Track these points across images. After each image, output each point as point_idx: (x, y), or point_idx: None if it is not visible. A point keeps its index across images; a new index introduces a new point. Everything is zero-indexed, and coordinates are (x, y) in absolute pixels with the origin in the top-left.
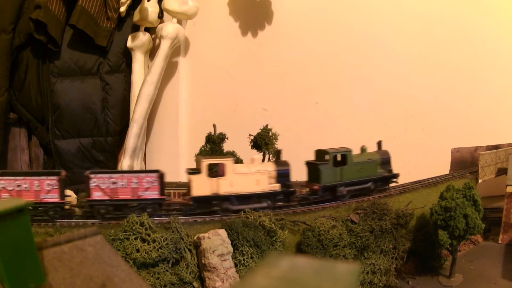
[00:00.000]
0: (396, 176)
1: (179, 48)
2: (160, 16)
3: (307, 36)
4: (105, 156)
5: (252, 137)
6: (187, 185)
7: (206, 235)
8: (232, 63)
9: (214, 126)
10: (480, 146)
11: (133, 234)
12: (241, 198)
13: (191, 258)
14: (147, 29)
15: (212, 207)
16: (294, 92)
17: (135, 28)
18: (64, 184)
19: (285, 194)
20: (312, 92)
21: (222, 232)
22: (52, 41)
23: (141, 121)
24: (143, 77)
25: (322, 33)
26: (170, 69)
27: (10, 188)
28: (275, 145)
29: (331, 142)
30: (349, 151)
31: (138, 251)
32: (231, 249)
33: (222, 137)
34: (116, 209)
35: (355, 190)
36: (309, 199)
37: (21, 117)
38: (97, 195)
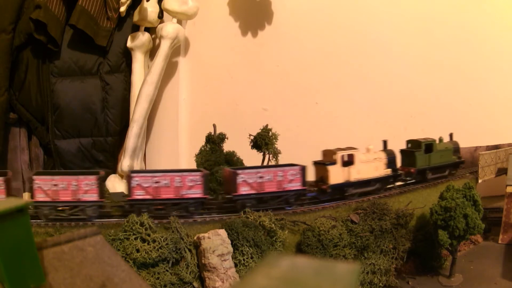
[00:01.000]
0: (463, 162)
1: (179, 48)
2: (160, 16)
3: (307, 36)
4: (105, 156)
5: (252, 137)
6: (318, 175)
7: (206, 235)
8: (232, 63)
9: (214, 126)
10: (480, 146)
11: (133, 234)
12: (363, 183)
13: (191, 258)
14: (147, 29)
15: (344, 193)
16: (294, 92)
17: (135, 28)
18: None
19: (393, 177)
20: (312, 92)
21: (222, 232)
22: (52, 41)
23: (141, 121)
24: (143, 77)
25: (322, 33)
26: (170, 69)
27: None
28: (275, 145)
29: (331, 142)
30: (434, 140)
31: (138, 251)
32: (231, 249)
33: (222, 137)
34: (261, 202)
35: (437, 174)
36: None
37: (21, 117)
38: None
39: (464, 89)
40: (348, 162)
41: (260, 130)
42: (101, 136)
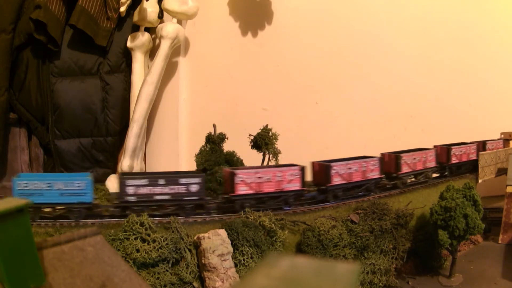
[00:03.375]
0: None
1: (179, 48)
2: (160, 16)
3: (307, 36)
4: (105, 156)
5: (252, 137)
6: None
7: (206, 235)
8: (232, 63)
9: (214, 126)
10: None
11: (133, 234)
12: None
13: (191, 258)
14: (147, 29)
15: None
16: (294, 92)
17: (135, 28)
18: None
19: None
20: (312, 92)
21: (222, 232)
22: (52, 41)
23: (141, 121)
24: (143, 77)
25: (322, 33)
26: (170, 69)
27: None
28: (275, 145)
29: (331, 142)
30: None
31: (138, 251)
32: (231, 249)
33: (222, 137)
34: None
35: None
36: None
37: (21, 117)
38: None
39: (464, 89)
40: None
41: (260, 130)
42: (101, 136)
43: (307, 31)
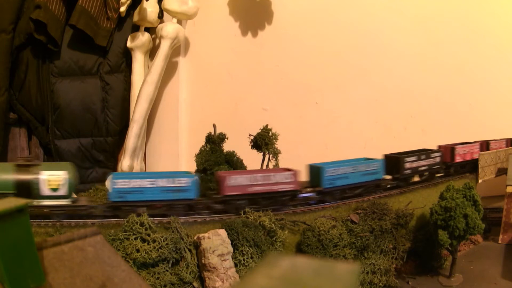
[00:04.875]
0: None
1: (179, 48)
2: (160, 16)
3: (307, 36)
4: (105, 156)
5: (252, 137)
6: None
7: (206, 235)
8: (232, 63)
9: (214, 126)
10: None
11: (133, 234)
12: None
13: (191, 258)
14: (147, 29)
15: None
16: (294, 92)
17: (135, 28)
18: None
19: None
20: (312, 92)
21: (222, 232)
22: (52, 41)
23: (141, 121)
24: (143, 77)
25: (322, 33)
26: (170, 69)
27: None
28: (275, 145)
29: (331, 142)
30: None
31: (138, 251)
32: (231, 249)
33: (222, 137)
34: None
35: None
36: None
37: (21, 117)
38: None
39: (464, 89)
40: None
41: (260, 130)
42: (101, 136)
43: (307, 31)
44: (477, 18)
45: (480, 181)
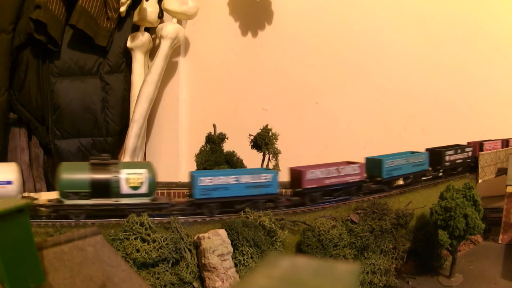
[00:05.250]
0: None
1: (179, 48)
2: (160, 16)
3: (307, 36)
4: None
5: (252, 137)
6: None
7: (206, 235)
8: (232, 63)
9: (214, 126)
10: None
11: (133, 234)
12: None
13: (191, 258)
14: (147, 29)
15: None
16: (294, 92)
17: (135, 28)
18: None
19: None
20: (312, 92)
21: (222, 232)
22: (52, 41)
23: (141, 121)
24: (143, 77)
25: (322, 33)
26: (170, 69)
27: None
28: (275, 145)
29: (331, 142)
30: None
31: (138, 251)
32: (231, 249)
33: (222, 137)
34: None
35: None
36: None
37: (21, 117)
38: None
39: (464, 89)
40: None
41: (260, 130)
42: (101, 136)
43: (307, 31)
44: (477, 18)
45: (480, 181)
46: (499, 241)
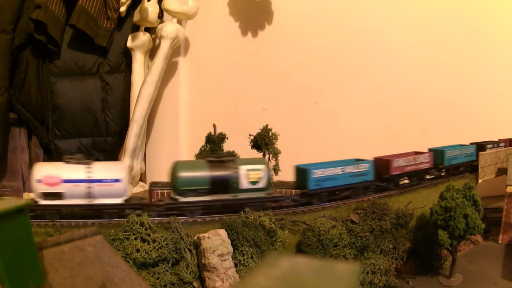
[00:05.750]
0: None
1: (179, 48)
2: (160, 16)
3: (307, 36)
4: (105, 156)
5: (252, 137)
6: None
7: (206, 235)
8: (232, 63)
9: (214, 126)
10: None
11: (133, 234)
12: None
13: (191, 258)
14: (147, 29)
15: None
16: (294, 92)
17: (135, 28)
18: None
19: None
20: (312, 92)
21: (222, 232)
22: (52, 41)
23: (141, 121)
24: (143, 77)
25: (322, 33)
26: (170, 69)
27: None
28: (275, 145)
29: (331, 142)
30: None
31: (138, 251)
32: (231, 249)
33: (222, 137)
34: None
35: None
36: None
37: (21, 117)
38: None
39: (464, 89)
40: None
41: (260, 130)
42: (101, 136)
43: (307, 31)
44: (477, 18)
45: (480, 181)
46: (499, 241)
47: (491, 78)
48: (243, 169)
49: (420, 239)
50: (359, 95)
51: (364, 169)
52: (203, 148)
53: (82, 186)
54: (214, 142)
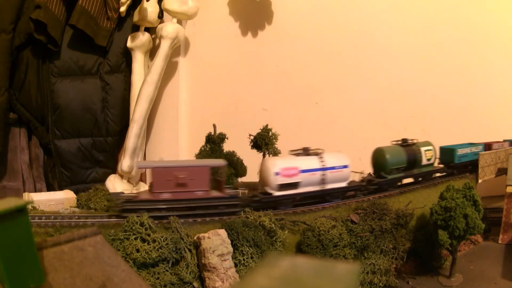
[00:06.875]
0: None
1: (179, 48)
2: (160, 16)
3: (307, 36)
4: (105, 156)
5: (252, 137)
6: None
7: (206, 235)
8: (232, 63)
9: (214, 126)
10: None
11: (133, 234)
12: None
13: (191, 258)
14: (147, 29)
15: None
16: (294, 92)
17: (135, 28)
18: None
19: None
20: (312, 92)
21: (222, 232)
22: (52, 41)
23: (141, 121)
24: (143, 77)
25: (322, 33)
26: (170, 69)
27: None
28: (275, 145)
29: (331, 142)
30: None
31: (138, 251)
32: (231, 249)
33: (222, 137)
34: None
35: None
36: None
37: (21, 117)
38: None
39: (464, 89)
40: None
41: (260, 130)
42: (101, 136)
43: (307, 31)
44: (477, 19)
45: (480, 181)
46: (499, 241)
47: (491, 78)
48: (422, 150)
49: (420, 239)
50: (359, 95)
51: (478, 150)
52: (203, 148)
53: (318, 174)
54: (214, 142)
